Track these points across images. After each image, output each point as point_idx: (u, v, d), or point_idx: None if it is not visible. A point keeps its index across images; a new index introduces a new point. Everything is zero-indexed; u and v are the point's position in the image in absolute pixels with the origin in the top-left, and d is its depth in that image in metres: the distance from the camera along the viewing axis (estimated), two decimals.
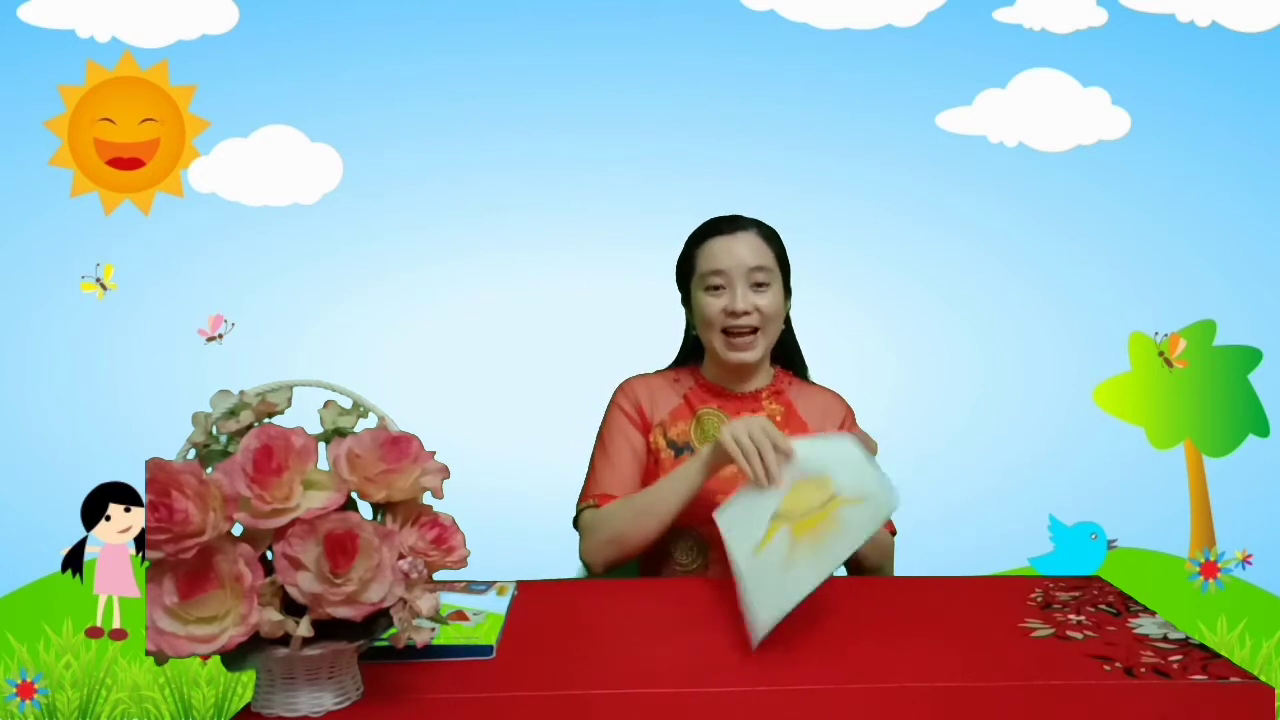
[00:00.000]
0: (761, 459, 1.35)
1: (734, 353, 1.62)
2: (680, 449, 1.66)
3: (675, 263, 1.74)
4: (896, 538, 1.72)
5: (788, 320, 1.74)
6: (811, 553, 1.24)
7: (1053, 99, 2.48)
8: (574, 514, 1.69)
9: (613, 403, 1.73)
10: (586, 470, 1.72)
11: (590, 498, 1.66)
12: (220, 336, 2.40)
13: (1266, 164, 2.48)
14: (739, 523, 1.33)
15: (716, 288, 1.63)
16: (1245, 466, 2.46)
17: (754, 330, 1.63)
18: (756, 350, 1.63)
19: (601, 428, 1.73)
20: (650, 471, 1.67)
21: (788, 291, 1.71)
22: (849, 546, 1.25)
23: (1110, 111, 2.48)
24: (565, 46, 2.45)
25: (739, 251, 1.63)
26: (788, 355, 1.77)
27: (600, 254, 2.40)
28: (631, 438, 1.67)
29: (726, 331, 1.63)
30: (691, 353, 1.78)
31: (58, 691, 2.36)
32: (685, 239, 1.74)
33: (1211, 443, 2.48)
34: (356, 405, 1.04)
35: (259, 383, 1.03)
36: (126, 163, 2.38)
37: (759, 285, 1.63)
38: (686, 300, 1.73)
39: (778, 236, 1.70)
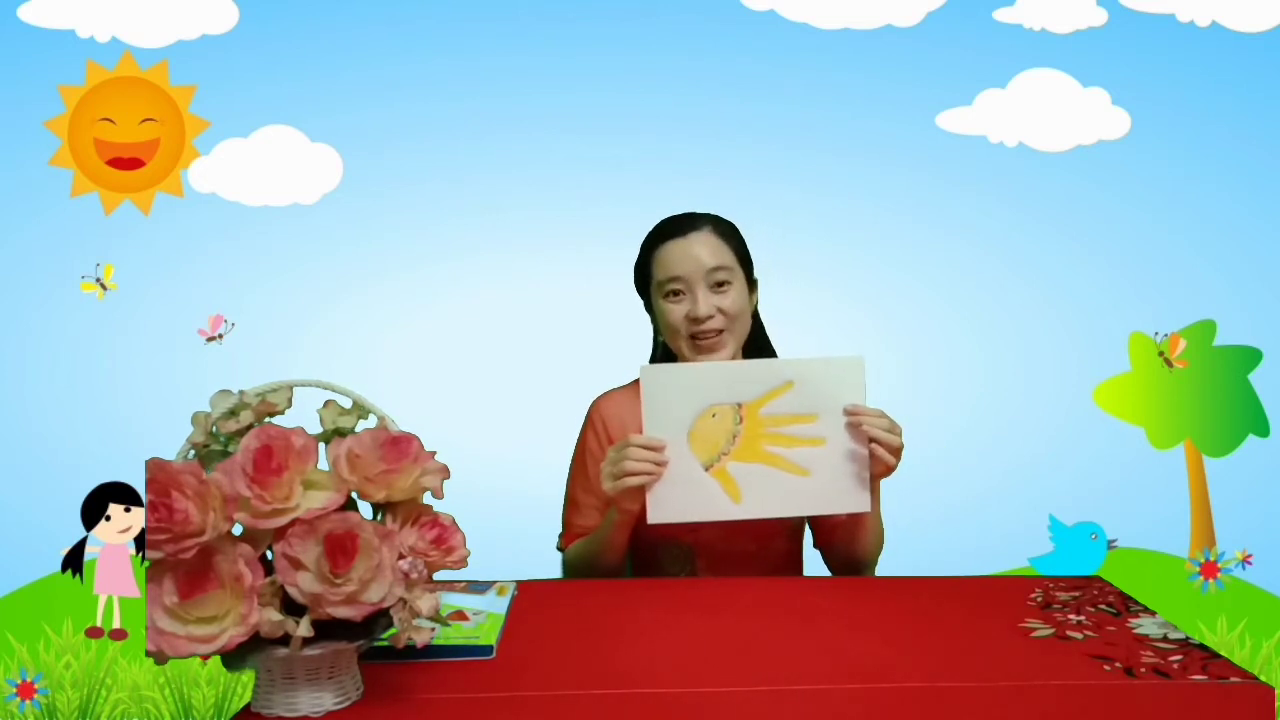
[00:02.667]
0: (643, 465, 1.41)
1: (702, 355, 1.59)
2: None
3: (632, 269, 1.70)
4: (891, 534, 1.71)
5: (756, 315, 1.71)
6: (754, 486, 1.43)
7: (1053, 99, 2.48)
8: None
9: (582, 428, 1.72)
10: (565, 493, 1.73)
11: (563, 536, 1.70)
12: (220, 336, 2.40)
13: (1266, 164, 2.48)
14: (669, 392, 1.43)
15: (676, 293, 1.59)
16: (1245, 466, 2.46)
17: (720, 331, 1.60)
18: (725, 350, 1.60)
19: (574, 453, 1.72)
20: None
21: (752, 286, 1.67)
22: (782, 509, 1.46)
23: (1110, 111, 2.48)
24: (565, 46, 2.45)
25: (695, 253, 1.58)
26: (759, 350, 1.74)
27: (600, 254, 2.39)
28: (594, 473, 1.65)
29: (693, 336, 1.60)
30: (662, 358, 1.75)
31: (58, 691, 2.36)
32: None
33: (1211, 443, 2.48)
34: (356, 405, 1.04)
35: (259, 383, 1.03)
36: (126, 163, 2.38)
37: (719, 285, 1.58)
38: (649, 306, 1.69)
39: (735, 230, 1.65)
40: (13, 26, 2.36)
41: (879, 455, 1.42)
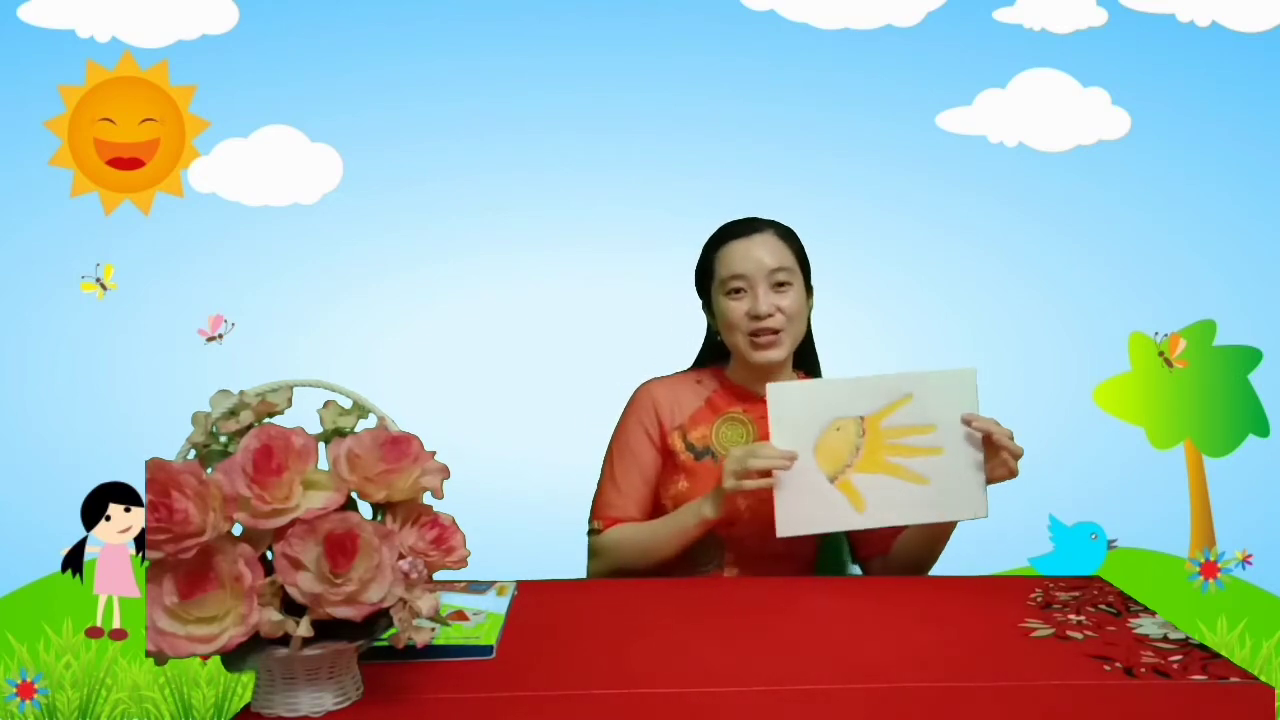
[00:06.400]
0: (775, 462, 1.44)
1: (759, 352, 1.62)
2: (700, 453, 1.66)
3: (694, 268, 1.73)
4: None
5: (807, 322, 1.73)
6: (874, 496, 1.46)
7: (1053, 99, 2.48)
8: (586, 527, 1.72)
9: (629, 409, 1.72)
10: (599, 476, 1.72)
11: (598, 519, 1.69)
12: (220, 336, 2.40)
13: (1266, 164, 2.48)
14: (795, 407, 1.46)
15: (738, 291, 1.63)
16: (1245, 466, 2.46)
17: (778, 331, 1.63)
18: (782, 349, 1.63)
19: (614, 436, 1.72)
20: (667, 473, 1.67)
21: (809, 290, 1.70)
22: (902, 517, 1.50)
23: (1110, 111, 2.48)
24: (565, 46, 2.45)
25: (757, 254, 1.63)
26: (804, 357, 1.76)
27: (600, 254, 2.40)
28: (641, 453, 1.67)
29: (751, 334, 1.63)
30: (712, 355, 1.78)
31: (58, 691, 2.36)
32: (701, 243, 1.72)
33: (1211, 443, 2.48)
34: (356, 405, 1.04)
35: (259, 383, 1.03)
36: (126, 163, 2.38)
37: (780, 285, 1.63)
38: (708, 305, 1.72)
39: (795, 235, 1.70)
40: (13, 26, 2.36)
41: (1005, 461, 1.48)
